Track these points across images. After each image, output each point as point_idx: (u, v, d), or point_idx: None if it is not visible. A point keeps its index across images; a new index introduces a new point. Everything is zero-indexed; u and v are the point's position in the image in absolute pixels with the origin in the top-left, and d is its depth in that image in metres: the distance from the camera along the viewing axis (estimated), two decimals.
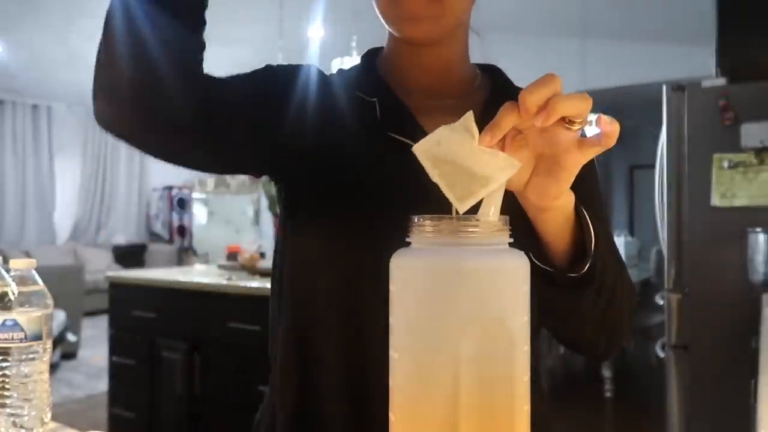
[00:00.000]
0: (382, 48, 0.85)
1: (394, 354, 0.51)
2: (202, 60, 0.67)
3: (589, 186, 0.56)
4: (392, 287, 0.51)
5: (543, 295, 0.64)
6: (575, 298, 0.64)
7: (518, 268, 0.49)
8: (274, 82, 0.76)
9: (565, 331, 0.73)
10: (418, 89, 0.79)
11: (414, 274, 0.49)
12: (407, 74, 0.79)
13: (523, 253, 0.51)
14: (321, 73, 0.81)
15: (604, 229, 0.63)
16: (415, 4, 0.70)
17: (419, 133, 0.73)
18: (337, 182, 0.74)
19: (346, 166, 0.74)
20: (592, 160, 0.76)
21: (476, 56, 0.86)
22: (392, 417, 0.51)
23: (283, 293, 0.79)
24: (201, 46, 0.67)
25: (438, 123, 0.76)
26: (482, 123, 0.75)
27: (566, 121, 0.51)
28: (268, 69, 0.78)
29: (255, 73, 0.76)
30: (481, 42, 0.81)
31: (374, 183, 0.73)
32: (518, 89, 0.83)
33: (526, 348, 0.49)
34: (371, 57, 0.84)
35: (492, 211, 0.51)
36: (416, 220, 0.50)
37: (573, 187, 0.57)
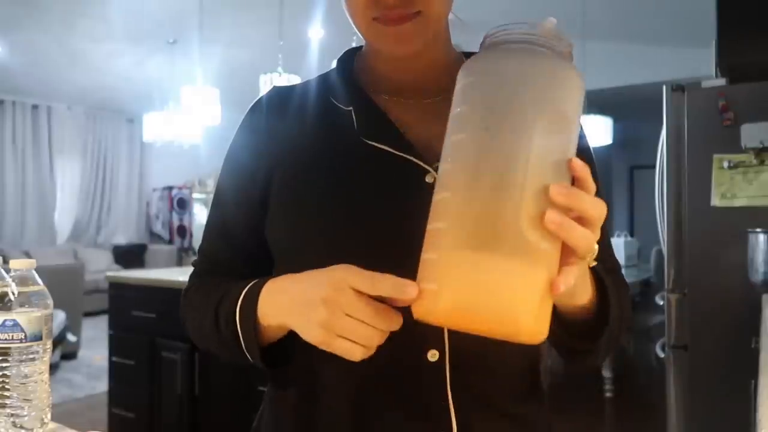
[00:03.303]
0: (360, 47, 0.83)
1: (454, 147, 0.54)
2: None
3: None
4: (465, 82, 0.55)
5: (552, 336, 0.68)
6: (585, 347, 0.70)
7: (581, 82, 0.54)
8: (246, 192, 0.78)
9: (569, 357, 0.77)
10: (400, 88, 0.77)
11: (491, 64, 0.55)
12: (387, 74, 0.78)
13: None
14: (283, 97, 0.80)
15: (607, 242, 0.67)
16: (399, 25, 0.68)
17: (396, 139, 0.72)
18: (325, 194, 0.73)
19: (331, 179, 0.73)
20: (591, 158, 0.76)
21: (464, 48, 0.84)
22: (438, 225, 0.52)
23: None
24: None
25: (421, 121, 0.75)
26: None
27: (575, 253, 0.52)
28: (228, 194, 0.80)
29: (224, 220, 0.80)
30: (462, 27, 0.80)
31: (359, 192, 0.72)
32: None
33: (572, 151, 0.53)
34: (348, 58, 0.82)
35: None
36: (491, 32, 0.57)
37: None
